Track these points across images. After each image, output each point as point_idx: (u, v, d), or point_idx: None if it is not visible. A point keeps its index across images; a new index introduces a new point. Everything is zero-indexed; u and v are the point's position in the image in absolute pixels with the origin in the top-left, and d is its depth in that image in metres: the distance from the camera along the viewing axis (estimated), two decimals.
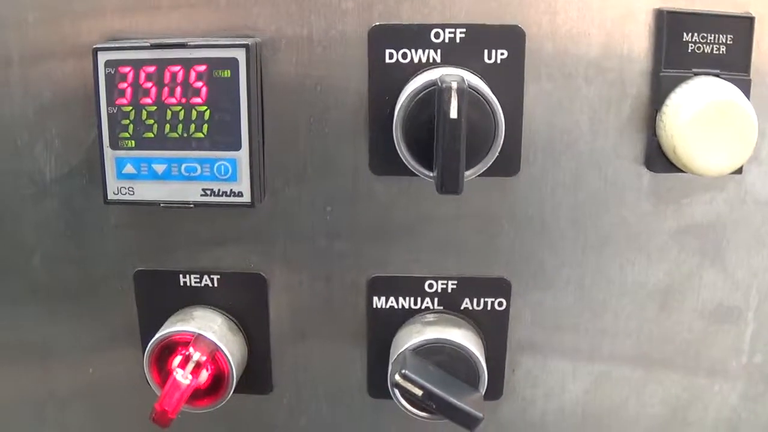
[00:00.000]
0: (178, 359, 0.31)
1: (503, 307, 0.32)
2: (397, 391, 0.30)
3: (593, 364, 0.33)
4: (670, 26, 0.29)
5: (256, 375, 0.33)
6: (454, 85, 0.26)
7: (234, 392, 0.32)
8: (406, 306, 0.32)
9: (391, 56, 0.30)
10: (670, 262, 0.32)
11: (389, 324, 0.32)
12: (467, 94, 0.26)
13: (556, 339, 0.33)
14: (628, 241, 0.32)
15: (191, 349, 0.30)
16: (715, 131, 0.29)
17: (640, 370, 0.34)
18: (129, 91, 0.29)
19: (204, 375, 0.31)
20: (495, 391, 0.33)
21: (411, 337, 0.31)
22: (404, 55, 0.30)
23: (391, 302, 0.32)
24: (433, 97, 0.27)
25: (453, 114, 0.26)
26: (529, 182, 0.31)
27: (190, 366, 0.30)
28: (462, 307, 0.32)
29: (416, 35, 0.29)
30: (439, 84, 0.26)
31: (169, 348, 0.31)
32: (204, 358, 0.30)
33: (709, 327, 0.33)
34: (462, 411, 0.29)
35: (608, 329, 0.33)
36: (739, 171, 0.30)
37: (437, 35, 0.29)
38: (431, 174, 0.28)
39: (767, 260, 0.33)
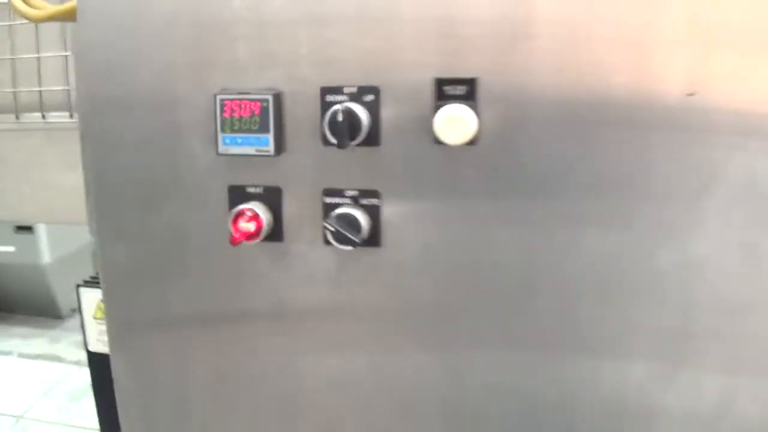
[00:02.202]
0: (243, 218, 0.79)
1: (378, 203, 0.78)
2: (326, 231, 0.76)
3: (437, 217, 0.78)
4: (438, 85, 0.74)
5: (276, 232, 0.81)
6: (341, 108, 0.73)
7: (264, 240, 0.80)
8: (337, 202, 0.79)
9: (329, 97, 0.77)
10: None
11: (334, 208, 0.79)
12: (347, 112, 0.73)
13: (414, 212, 0.78)
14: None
15: (248, 213, 0.79)
16: (451, 126, 0.73)
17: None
18: (228, 110, 0.78)
19: (253, 225, 0.79)
20: (376, 241, 0.79)
21: (336, 212, 0.77)
22: (333, 97, 0.77)
23: (333, 200, 0.79)
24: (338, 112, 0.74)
25: (339, 118, 0.73)
26: (388, 149, 0.77)
27: (246, 218, 0.78)
28: (361, 203, 0.78)
29: (337, 90, 0.76)
30: (337, 108, 0.74)
31: (240, 214, 0.79)
32: (252, 216, 0.78)
33: None
34: (347, 237, 0.75)
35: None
36: (473, 142, 0.74)
37: (347, 90, 0.76)
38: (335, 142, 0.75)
39: None
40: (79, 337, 2.92)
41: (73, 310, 3.23)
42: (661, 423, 0.81)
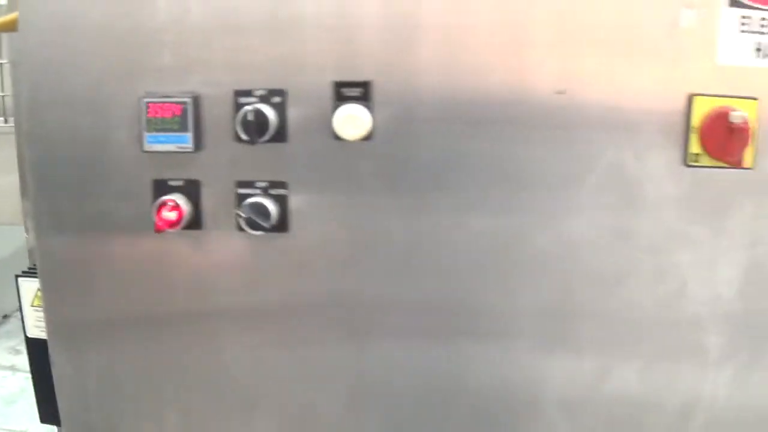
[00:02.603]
0: (165, 208, 0.88)
1: (286, 192, 0.88)
2: (239, 218, 0.86)
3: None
4: (336, 87, 0.85)
5: (196, 220, 0.90)
6: (251, 109, 0.83)
7: (185, 228, 0.89)
8: (249, 192, 0.88)
9: (242, 99, 0.87)
10: None
11: (246, 198, 0.88)
12: (257, 112, 0.83)
13: (317, 200, 0.88)
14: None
15: (170, 203, 0.88)
16: (347, 123, 0.83)
17: None
18: (152, 111, 0.88)
19: (174, 214, 0.88)
20: (285, 227, 0.88)
21: (248, 201, 0.87)
22: (245, 99, 0.86)
23: (245, 191, 0.89)
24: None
25: (250, 118, 0.83)
26: (294, 145, 0.87)
27: (168, 208, 0.87)
28: (270, 193, 0.88)
29: (248, 93, 0.86)
30: (248, 108, 0.84)
31: (163, 204, 0.88)
32: (174, 206, 0.88)
33: None
34: (257, 223, 0.85)
35: None
36: (368, 138, 0.84)
37: (257, 93, 0.86)
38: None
39: None
40: (11, 343, 2.96)
41: (5, 317, 3.22)
42: (545, 399, 0.91)
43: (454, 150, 0.85)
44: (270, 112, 0.84)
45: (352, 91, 0.84)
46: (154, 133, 0.88)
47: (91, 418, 0.97)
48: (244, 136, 0.84)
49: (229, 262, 0.90)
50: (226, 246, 0.90)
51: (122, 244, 0.92)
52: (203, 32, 0.86)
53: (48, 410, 0.99)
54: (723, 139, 0.83)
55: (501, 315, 0.89)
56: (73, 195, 0.92)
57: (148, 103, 0.87)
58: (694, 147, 0.85)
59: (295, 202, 0.88)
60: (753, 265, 0.88)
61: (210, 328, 0.92)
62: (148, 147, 0.88)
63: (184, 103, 0.86)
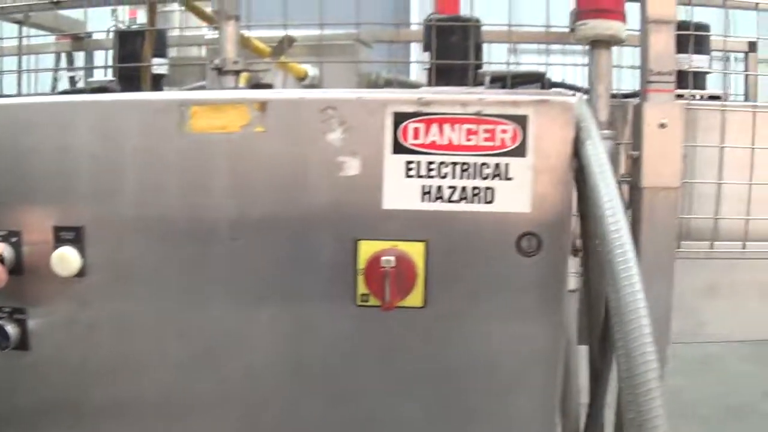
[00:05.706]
0: None
1: (24, 317, 1.05)
2: None
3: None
4: (55, 231, 1.02)
5: None
6: None
7: None
8: None
9: None
10: None
11: None
12: None
13: (48, 326, 1.05)
14: None
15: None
16: (59, 263, 1.00)
17: None
18: None
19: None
20: (26, 345, 1.06)
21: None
22: None
23: None
24: None
25: None
26: (28, 277, 1.04)
27: None
28: (14, 317, 1.06)
29: None
30: None
31: None
32: None
33: None
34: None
35: None
36: (81, 274, 1.01)
37: (1, 233, 1.05)
38: None
39: None
40: None
41: None
42: None
43: (158, 276, 1.00)
44: (8, 250, 1.03)
45: (68, 234, 1.01)
46: None
47: None
48: None
49: None
50: None
51: None
52: None
53: None
54: (380, 281, 0.93)
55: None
56: None
57: None
58: (362, 288, 0.95)
59: (33, 324, 1.05)
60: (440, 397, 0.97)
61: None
62: None
63: None
